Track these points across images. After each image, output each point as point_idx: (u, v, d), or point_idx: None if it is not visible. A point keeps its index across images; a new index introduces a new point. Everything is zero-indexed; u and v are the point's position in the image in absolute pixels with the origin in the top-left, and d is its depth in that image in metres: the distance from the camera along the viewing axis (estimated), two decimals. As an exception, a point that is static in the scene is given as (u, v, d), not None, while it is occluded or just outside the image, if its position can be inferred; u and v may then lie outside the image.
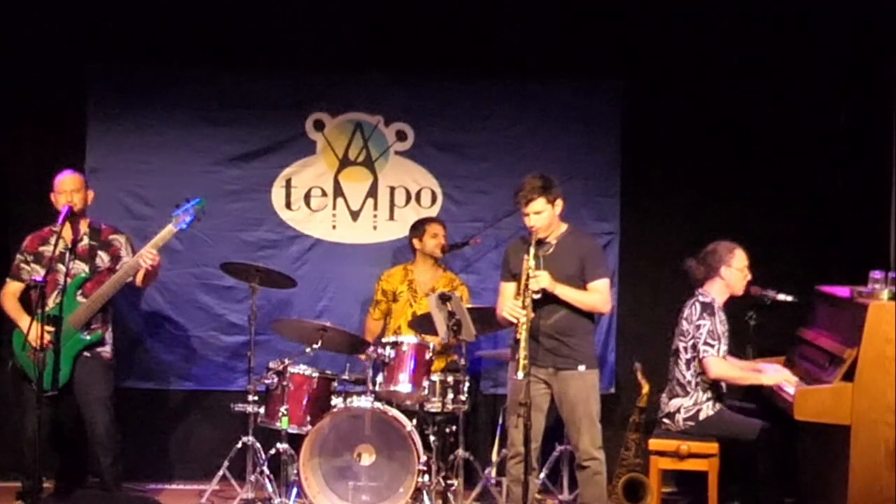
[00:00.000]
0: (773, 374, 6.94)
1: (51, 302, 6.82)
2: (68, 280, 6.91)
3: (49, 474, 7.31)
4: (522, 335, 6.34)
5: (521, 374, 6.31)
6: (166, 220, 7.07)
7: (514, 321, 6.40)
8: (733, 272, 6.97)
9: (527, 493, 6.46)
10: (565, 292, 6.49)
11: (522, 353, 6.31)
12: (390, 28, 7.87)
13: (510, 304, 6.44)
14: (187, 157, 7.93)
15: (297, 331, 7.28)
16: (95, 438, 7.05)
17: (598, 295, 6.58)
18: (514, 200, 6.53)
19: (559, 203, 6.54)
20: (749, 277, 7.03)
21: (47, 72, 7.81)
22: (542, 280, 6.40)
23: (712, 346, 6.82)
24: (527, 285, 6.38)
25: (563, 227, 6.64)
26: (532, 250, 6.42)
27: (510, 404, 6.62)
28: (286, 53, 7.90)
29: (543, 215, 6.49)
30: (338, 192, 8.04)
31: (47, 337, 6.55)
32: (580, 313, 6.57)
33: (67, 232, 6.97)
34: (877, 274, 6.58)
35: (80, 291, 7.01)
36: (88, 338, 6.99)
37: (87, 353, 7.00)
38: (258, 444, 7.28)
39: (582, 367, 6.57)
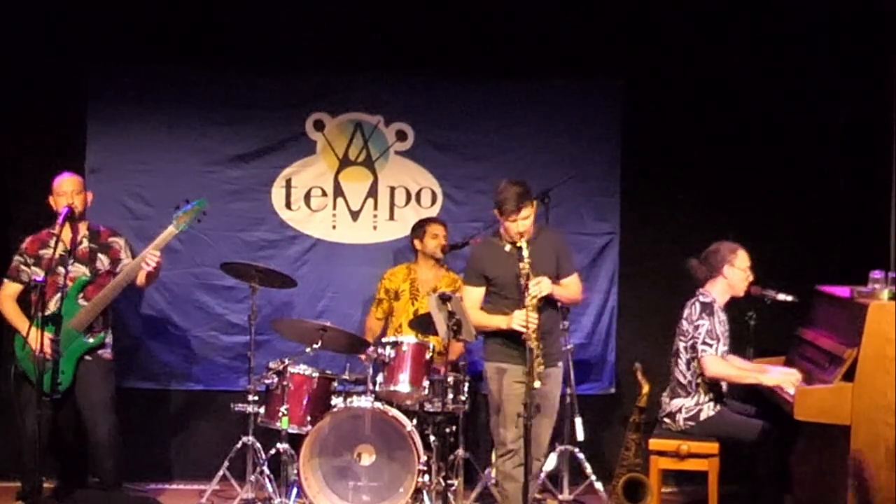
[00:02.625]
0: (778, 375, 6.91)
1: (52, 305, 6.82)
2: (69, 283, 6.91)
3: (49, 475, 7.31)
4: (535, 343, 6.36)
5: (538, 384, 6.33)
6: (166, 219, 7.08)
7: (525, 330, 6.39)
8: (736, 272, 6.96)
9: (527, 494, 6.47)
10: (559, 292, 6.57)
11: (538, 360, 6.34)
12: (390, 28, 7.87)
13: (521, 316, 6.41)
14: (187, 157, 7.93)
15: (297, 331, 7.28)
16: (98, 441, 7.04)
17: (576, 286, 6.73)
18: (503, 209, 6.48)
19: (536, 205, 6.63)
20: (751, 278, 7.03)
21: (48, 72, 7.81)
22: (544, 287, 6.45)
23: (710, 345, 6.82)
24: (527, 290, 6.39)
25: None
26: (525, 256, 6.41)
27: (506, 404, 6.56)
28: (286, 53, 7.90)
29: (530, 220, 6.53)
30: (338, 192, 8.04)
31: (48, 343, 6.53)
32: (556, 311, 6.62)
33: (67, 234, 6.95)
34: (877, 274, 6.58)
35: (81, 294, 7.01)
36: (91, 341, 7.00)
37: (88, 357, 7.01)
38: (258, 444, 7.28)
39: (560, 364, 6.68)
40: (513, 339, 6.51)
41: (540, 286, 6.44)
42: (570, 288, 6.67)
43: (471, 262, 6.77)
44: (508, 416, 6.54)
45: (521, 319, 6.41)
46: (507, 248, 6.56)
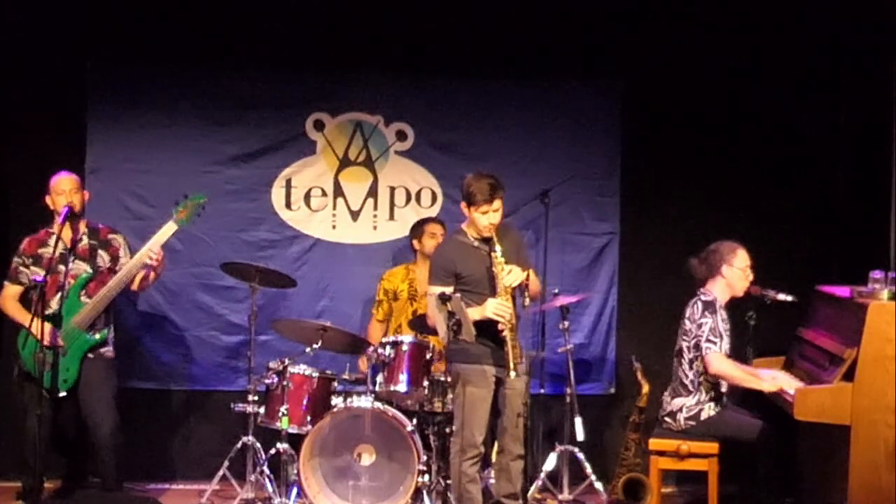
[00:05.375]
0: (773, 380, 6.91)
1: (53, 303, 6.83)
2: (70, 281, 6.92)
3: (50, 474, 7.31)
4: (508, 335, 6.35)
5: (513, 375, 6.32)
6: (167, 219, 7.08)
7: (501, 320, 6.37)
8: (735, 271, 6.96)
9: (526, 494, 6.47)
10: (533, 278, 6.62)
11: (513, 352, 6.33)
12: (390, 28, 7.87)
13: (496, 304, 6.39)
14: (187, 157, 7.93)
15: (297, 331, 7.28)
16: (100, 439, 7.05)
17: (536, 279, 6.79)
18: (475, 200, 6.43)
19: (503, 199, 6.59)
20: (751, 278, 7.03)
21: (47, 72, 7.81)
22: (516, 275, 6.42)
23: (714, 342, 6.82)
24: (501, 281, 6.39)
25: None
26: (498, 248, 6.42)
27: (480, 405, 6.51)
28: (286, 53, 7.90)
29: (500, 212, 6.51)
30: (338, 192, 8.04)
31: (49, 333, 6.54)
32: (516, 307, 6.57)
33: (67, 233, 6.97)
34: (877, 274, 6.58)
35: (83, 292, 7.01)
36: (97, 337, 7.00)
37: (90, 354, 7.01)
38: (258, 444, 7.28)
39: (523, 359, 6.61)
40: (485, 337, 6.46)
41: (512, 275, 6.41)
42: (534, 281, 6.72)
43: (438, 261, 6.64)
44: (482, 418, 6.51)
45: (496, 307, 6.37)
46: (476, 243, 6.53)
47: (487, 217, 6.45)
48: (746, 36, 7.91)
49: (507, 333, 6.36)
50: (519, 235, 6.78)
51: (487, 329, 6.45)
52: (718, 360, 6.83)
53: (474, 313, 6.42)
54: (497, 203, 6.45)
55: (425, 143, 8.02)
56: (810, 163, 7.99)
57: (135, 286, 7.09)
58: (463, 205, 6.55)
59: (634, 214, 8.07)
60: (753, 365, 7.18)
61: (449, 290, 6.46)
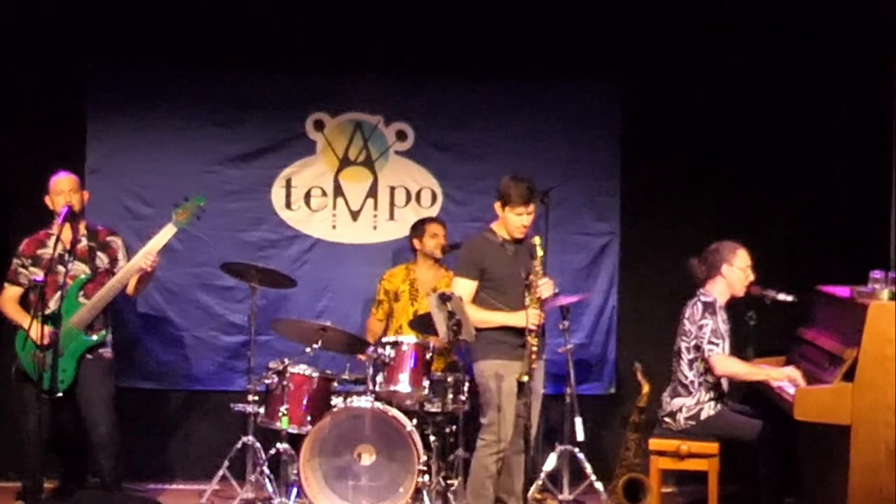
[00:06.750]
0: (784, 370, 6.92)
1: (52, 304, 6.83)
2: (69, 281, 6.92)
3: (49, 474, 7.31)
4: (534, 341, 6.44)
5: (526, 378, 6.38)
6: (166, 220, 7.08)
7: (535, 328, 6.47)
8: (735, 271, 6.96)
9: (526, 493, 6.48)
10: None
11: (534, 357, 6.42)
12: (390, 28, 7.87)
13: (537, 314, 6.48)
14: (187, 157, 7.93)
15: (297, 331, 7.28)
16: (98, 440, 7.05)
17: None
18: (512, 200, 6.57)
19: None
20: (751, 278, 7.03)
21: (47, 71, 7.81)
22: (549, 286, 6.58)
23: (716, 344, 6.82)
24: (536, 291, 6.49)
25: None
26: (539, 257, 6.50)
27: (508, 402, 6.57)
28: (286, 53, 7.90)
29: (533, 216, 6.65)
30: (338, 192, 8.04)
31: (48, 335, 6.55)
32: None
33: (66, 233, 6.97)
34: (877, 274, 6.58)
35: (81, 293, 7.01)
36: (95, 338, 7.00)
37: (89, 355, 7.01)
38: (258, 444, 7.28)
39: (544, 356, 6.73)
40: (513, 335, 6.55)
41: (546, 287, 6.56)
42: None
43: (468, 255, 6.75)
44: (512, 413, 6.56)
45: (537, 318, 6.49)
46: (504, 242, 6.62)
47: (521, 219, 6.59)
48: (746, 36, 7.91)
49: (532, 339, 6.45)
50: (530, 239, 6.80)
51: (512, 328, 6.56)
52: (722, 361, 6.83)
53: (507, 319, 6.55)
54: (532, 206, 6.59)
55: (425, 143, 8.03)
56: (810, 163, 7.99)
57: (130, 290, 7.08)
58: (497, 204, 6.65)
59: (634, 214, 8.07)
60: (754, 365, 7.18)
61: (475, 283, 6.59)
